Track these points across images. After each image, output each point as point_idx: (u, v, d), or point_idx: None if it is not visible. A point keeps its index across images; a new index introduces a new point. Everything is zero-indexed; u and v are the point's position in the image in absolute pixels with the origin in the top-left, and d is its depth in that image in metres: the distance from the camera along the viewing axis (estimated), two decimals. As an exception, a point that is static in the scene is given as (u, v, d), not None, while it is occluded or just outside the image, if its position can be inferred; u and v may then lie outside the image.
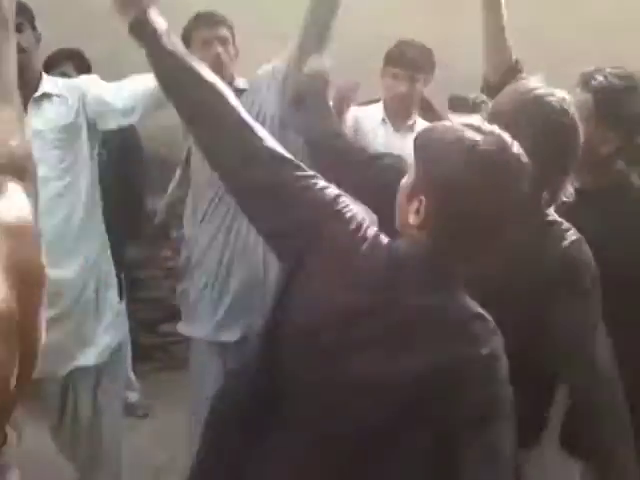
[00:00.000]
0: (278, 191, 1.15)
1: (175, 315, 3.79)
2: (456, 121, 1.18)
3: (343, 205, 1.16)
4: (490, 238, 1.11)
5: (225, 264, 2.20)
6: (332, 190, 1.17)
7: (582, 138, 1.40)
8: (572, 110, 1.40)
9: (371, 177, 1.58)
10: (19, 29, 2.10)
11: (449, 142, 1.10)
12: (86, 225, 2.10)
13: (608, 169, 1.70)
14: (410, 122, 2.64)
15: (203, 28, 2.26)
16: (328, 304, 1.10)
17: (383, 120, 2.66)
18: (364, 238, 1.13)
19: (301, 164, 1.19)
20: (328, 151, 1.65)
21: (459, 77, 2.70)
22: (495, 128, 1.13)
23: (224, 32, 2.26)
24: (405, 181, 1.16)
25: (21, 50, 2.08)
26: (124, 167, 2.48)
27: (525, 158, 1.11)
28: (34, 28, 2.13)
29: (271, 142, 1.18)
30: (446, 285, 1.12)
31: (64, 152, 2.06)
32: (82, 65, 2.80)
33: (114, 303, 2.19)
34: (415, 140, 1.17)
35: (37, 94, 2.07)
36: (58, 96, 2.09)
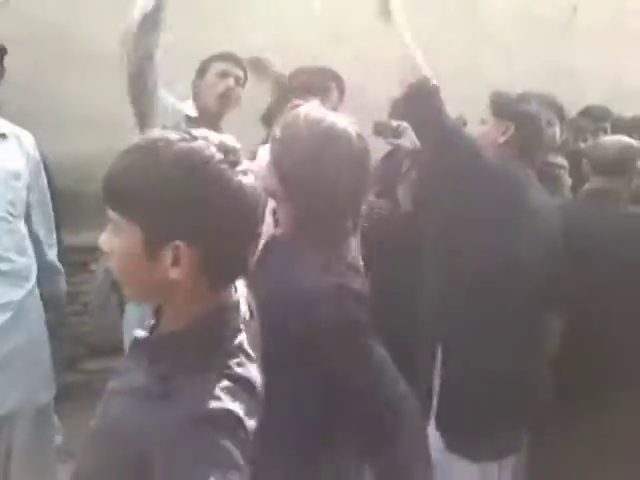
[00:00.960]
0: None
1: (97, 351, 3.73)
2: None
3: None
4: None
5: None
6: None
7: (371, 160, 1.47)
8: (358, 134, 1.43)
9: None
10: None
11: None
12: None
13: (507, 149, 2.17)
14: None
15: (225, 62, 2.52)
16: None
17: None
18: None
19: None
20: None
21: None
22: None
23: (241, 73, 2.55)
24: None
25: None
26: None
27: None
28: (2, 65, 2.25)
29: None
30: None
31: None
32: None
33: None
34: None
35: None
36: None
